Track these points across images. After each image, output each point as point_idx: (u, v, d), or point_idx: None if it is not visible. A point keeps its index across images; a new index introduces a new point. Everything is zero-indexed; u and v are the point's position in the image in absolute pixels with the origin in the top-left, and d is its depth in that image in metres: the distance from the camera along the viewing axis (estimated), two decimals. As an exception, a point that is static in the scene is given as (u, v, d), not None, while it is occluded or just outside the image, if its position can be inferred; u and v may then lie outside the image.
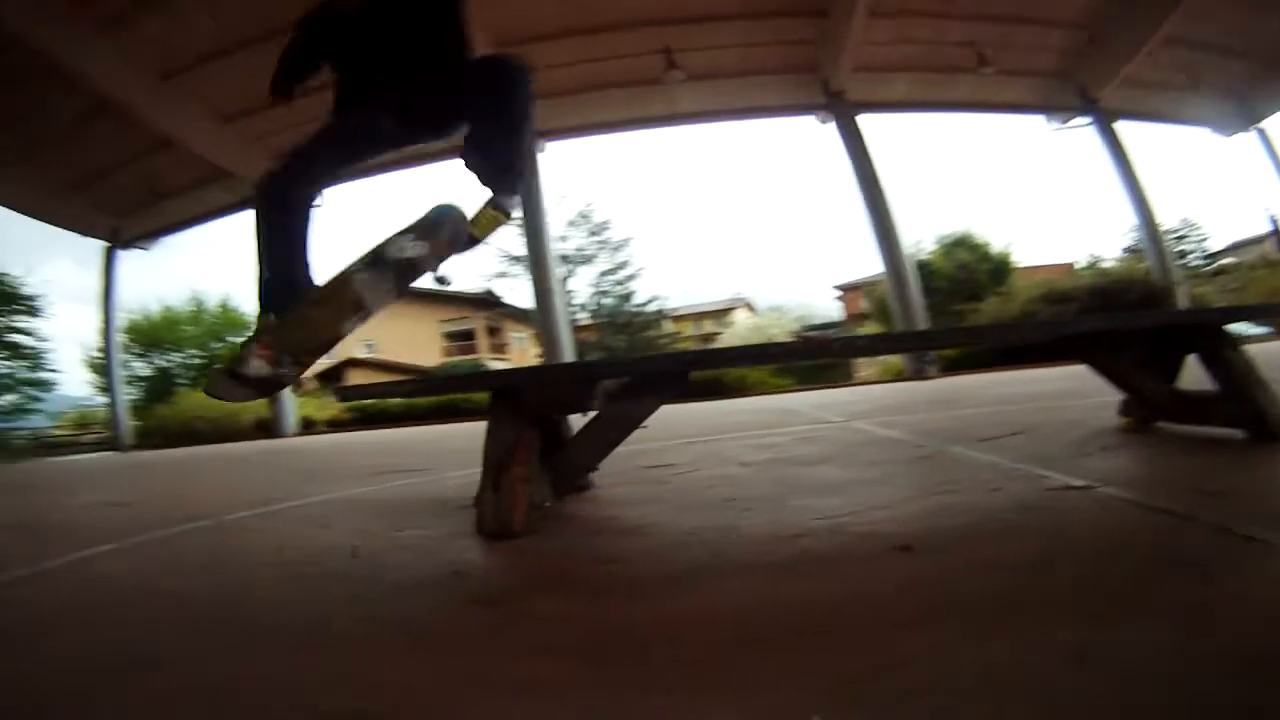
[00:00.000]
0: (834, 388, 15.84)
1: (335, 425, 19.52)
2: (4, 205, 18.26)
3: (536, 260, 16.74)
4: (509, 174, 2.82)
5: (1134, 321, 2.65)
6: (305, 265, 2.75)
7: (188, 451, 14.02)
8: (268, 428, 18.43)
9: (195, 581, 2.09)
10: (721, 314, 49.07)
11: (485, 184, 2.82)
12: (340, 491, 3.85)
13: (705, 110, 16.91)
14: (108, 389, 20.83)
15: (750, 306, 50.36)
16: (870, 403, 7.25)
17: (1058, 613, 1.18)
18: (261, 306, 2.72)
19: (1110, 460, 2.46)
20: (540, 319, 16.77)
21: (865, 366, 21.42)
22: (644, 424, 2.60)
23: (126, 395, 22.15)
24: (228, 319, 33.65)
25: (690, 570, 1.70)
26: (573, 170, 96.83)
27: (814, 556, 1.70)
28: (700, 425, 6.22)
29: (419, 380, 3.05)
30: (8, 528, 3.78)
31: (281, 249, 2.72)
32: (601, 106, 16.43)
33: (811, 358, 2.56)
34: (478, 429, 2.61)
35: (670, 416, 8.39)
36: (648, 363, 1.92)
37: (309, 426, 19.37)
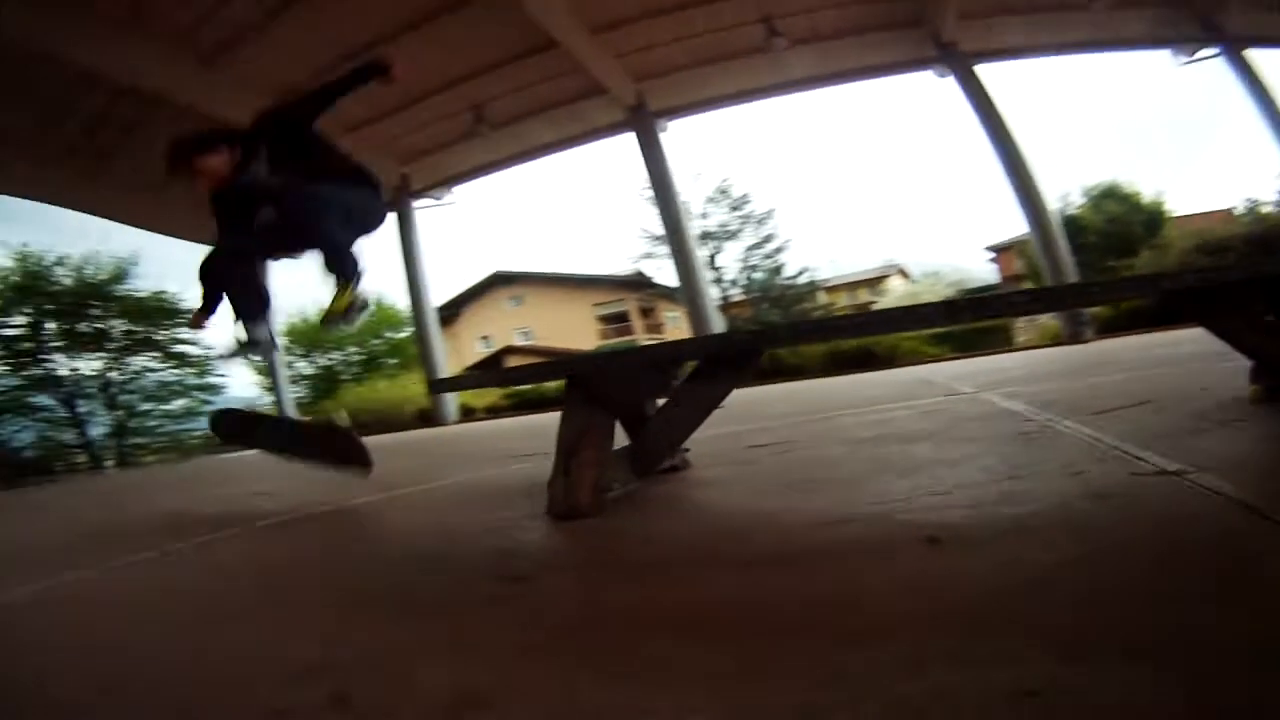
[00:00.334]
0: (989, 354, 15.07)
1: (493, 412, 20.22)
2: (159, 233, 20.69)
3: (675, 239, 16.77)
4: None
5: (1247, 271, 2.23)
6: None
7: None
8: (428, 417, 19.26)
9: (282, 556, 2.56)
10: (875, 282, 47.49)
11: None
12: (463, 476, 4.14)
13: (818, 75, 16.29)
14: (273, 388, 22.43)
15: (904, 273, 48.50)
16: (1013, 371, 6.85)
17: (1032, 643, 0.98)
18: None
19: (1221, 439, 2.16)
20: (685, 297, 16.87)
21: (1023, 331, 20.33)
22: (722, 404, 2.61)
23: (292, 393, 23.79)
24: (383, 316, 35.54)
25: (714, 557, 1.73)
26: (702, 146, 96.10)
27: (835, 548, 1.66)
28: (830, 401, 6.14)
29: (502, 372, 3.22)
30: (171, 514, 4.43)
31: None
32: (713, 81, 16.19)
33: (881, 330, 2.43)
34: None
35: (805, 392, 8.32)
36: (715, 341, 1.88)
37: (469, 414, 20.11)
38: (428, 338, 19.33)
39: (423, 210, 19.69)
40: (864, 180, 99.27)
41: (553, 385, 16.29)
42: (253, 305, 4.14)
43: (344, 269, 3.88)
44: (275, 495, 4.42)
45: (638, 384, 2.72)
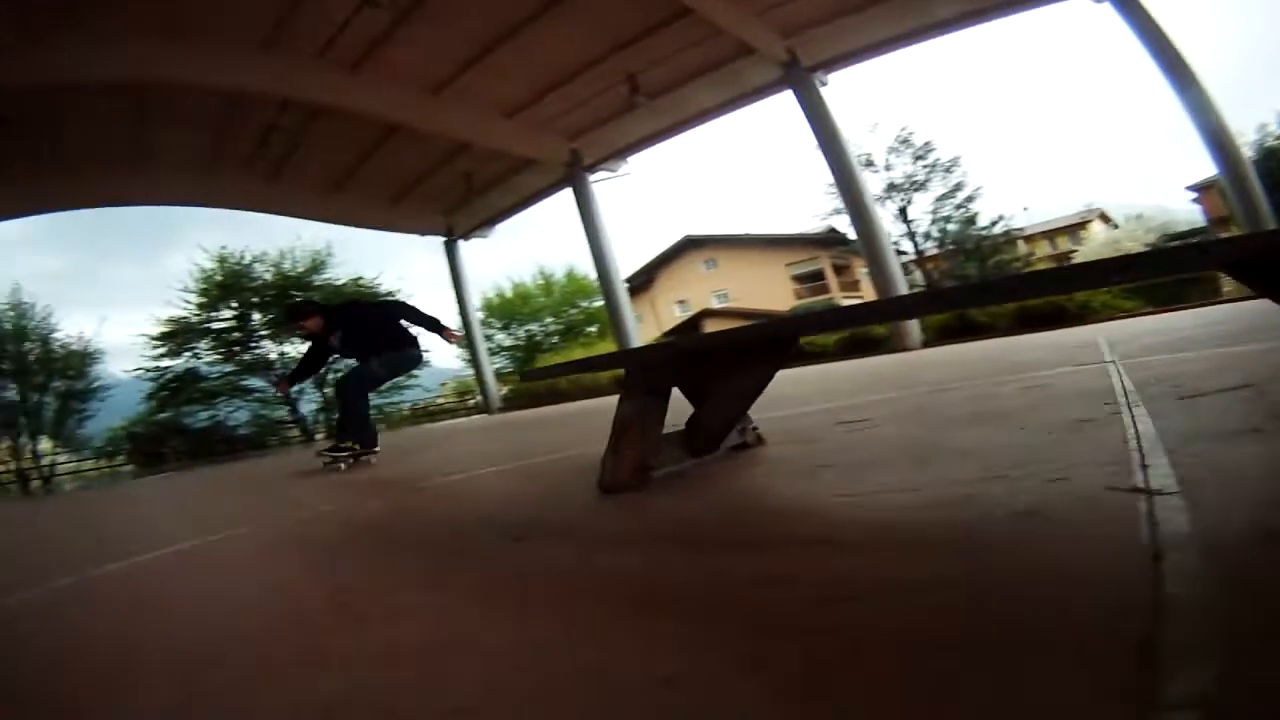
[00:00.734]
0: (1188, 308, 13.60)
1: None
2: (344, 224, 22.89)
3: (849, 196, 16.31)
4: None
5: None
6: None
7: (539, 411, 16.58)
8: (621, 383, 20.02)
9: (377, 510, 3.29)
10: (1075, 229, 43.84)
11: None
12: (589, 449, 4.35)
13: (969, 11, 15.11)
14: (473, 360, 24.16)
15: (1105, 217, 44.39)
16: (1178, 333, 6.24)
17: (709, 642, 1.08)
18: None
19: (1245, 451, 1.92)
20: (866, 255, 16.47)
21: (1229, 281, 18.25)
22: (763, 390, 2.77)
23: (492, 364, 25.54)
24: (577, 285, 37.03)
25: (695, 537, 1.90)
26: (875, 96, 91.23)
27: (765, 538, 1.78)
28: (973, 369, 5.95)
29: (577, 362, 3.48)
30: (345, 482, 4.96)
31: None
32: (864, 29, 15.50)
33: (880, 319, 2.40)
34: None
35: (963, 356, 8.05)
36: (747, 332, 1.98)
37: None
38: (616, 305, 20.30)
39: (599, 183, 20.44)
40: (1052, 120, 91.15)
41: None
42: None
43: (345, 431, 6.81)
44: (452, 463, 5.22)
45: (682, 374, 2.89)
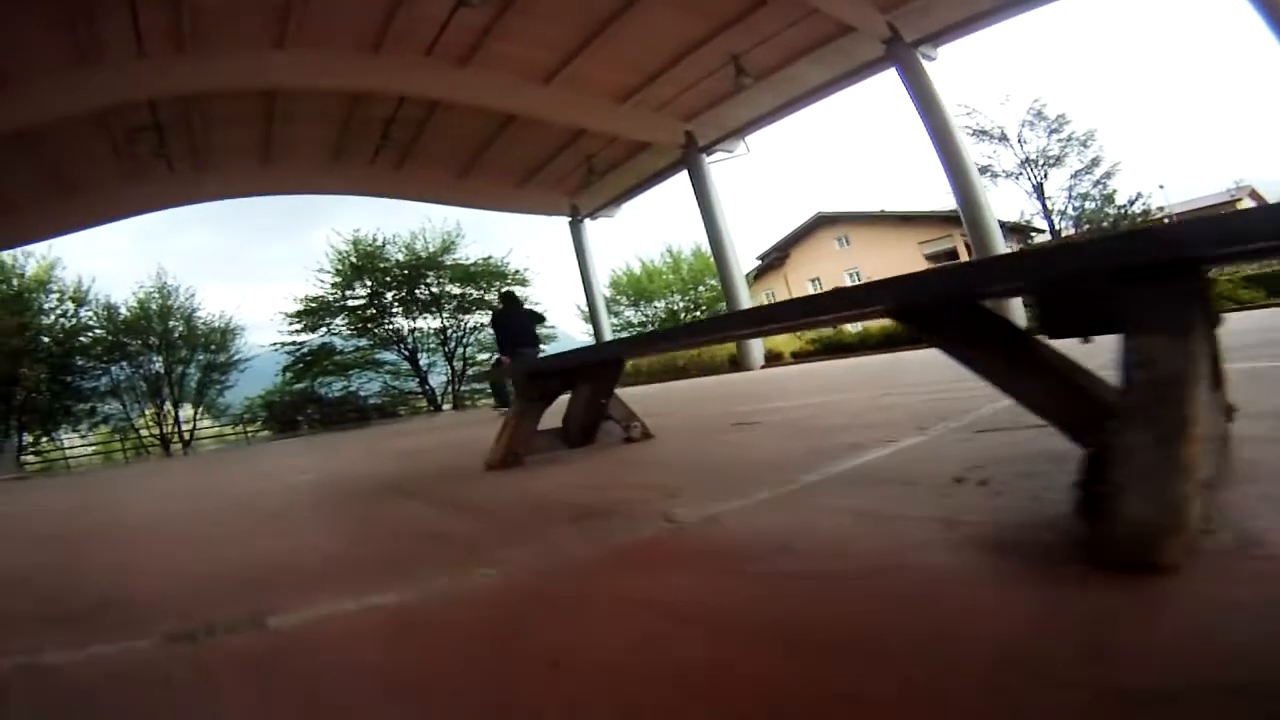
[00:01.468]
0: None
1: (799, 356, 21.20)
2: (471, 207, 24.85)
3: (958, 181, 16.04)
4: None
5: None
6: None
7: (659, 386, 18.00)
8: (737, 363, 20.62)
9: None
10: (1224, 207, 40.14)
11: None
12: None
13: None
14: (596, 335, 25.48)
15: (1256, 194, 40.47)
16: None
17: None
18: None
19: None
20: (971, 237, 16.32)
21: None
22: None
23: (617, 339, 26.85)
24: (704, 264, 37.66)
25: (507, 507, 3.02)
26: (997, 69, 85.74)
27: (527, 514, 2.58)
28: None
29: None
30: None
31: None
32: None
33: (701, 342, 2.92)
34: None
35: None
36: (576, 356, 2.65)
37: (775, 359, 21.12)
38: (731, 287, 20.66)
39: (717, 164, 21.05)
40: (1197, 88, 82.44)
41: (851, 330, 17.18)
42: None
43: (501, 399, 12.74)
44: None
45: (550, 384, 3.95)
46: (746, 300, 20.84)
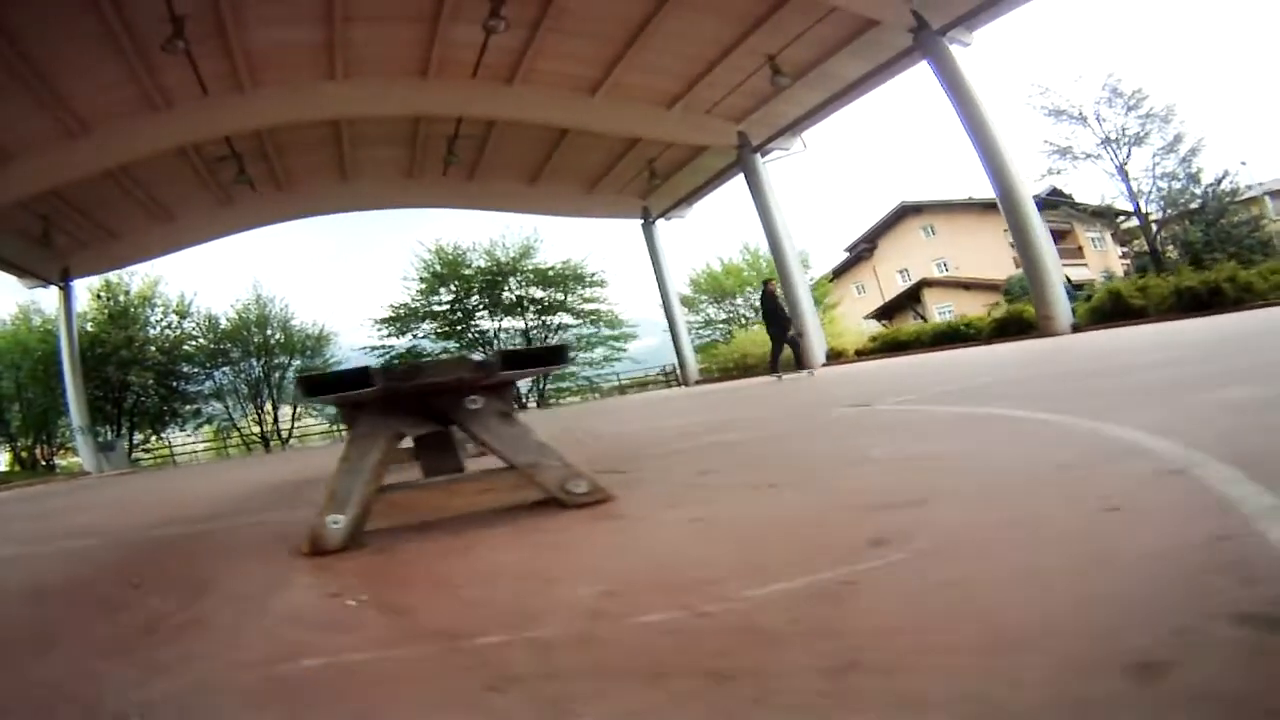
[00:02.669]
0: None
1: (861, 354, 21.56)
2: (549, 213, 26.95)
3: (992, 163, 15.61)
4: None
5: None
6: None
7: (724, 384, 19.53)
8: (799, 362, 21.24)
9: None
10: None
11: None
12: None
13: None
14: (672, 333, 26.35)
15: None
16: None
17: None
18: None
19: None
20: (1010, 225, 15.92)
21: None
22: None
23: (690, 338, 28.57)
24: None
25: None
26: (1066, 45, 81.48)
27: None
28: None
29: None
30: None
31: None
32: None
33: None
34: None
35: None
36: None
37: (836, 357, 21.49)
38: (790, 286, 20.92)
39: (775, 161, 21.48)
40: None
41: (909, 328, 17.74)
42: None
43: (773, 363, 15.25)
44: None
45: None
46: (806, 296, 21.32)
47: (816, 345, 20.77)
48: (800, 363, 15.93)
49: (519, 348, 1.64)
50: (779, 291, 16.72)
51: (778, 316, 15.18)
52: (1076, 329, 14.76)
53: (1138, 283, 16.99)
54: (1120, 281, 20.63)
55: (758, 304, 38.41)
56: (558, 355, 2.24)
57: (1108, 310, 15.34)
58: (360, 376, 1.95)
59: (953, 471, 2.04)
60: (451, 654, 1.11)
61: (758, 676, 0.87)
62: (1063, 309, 15.21)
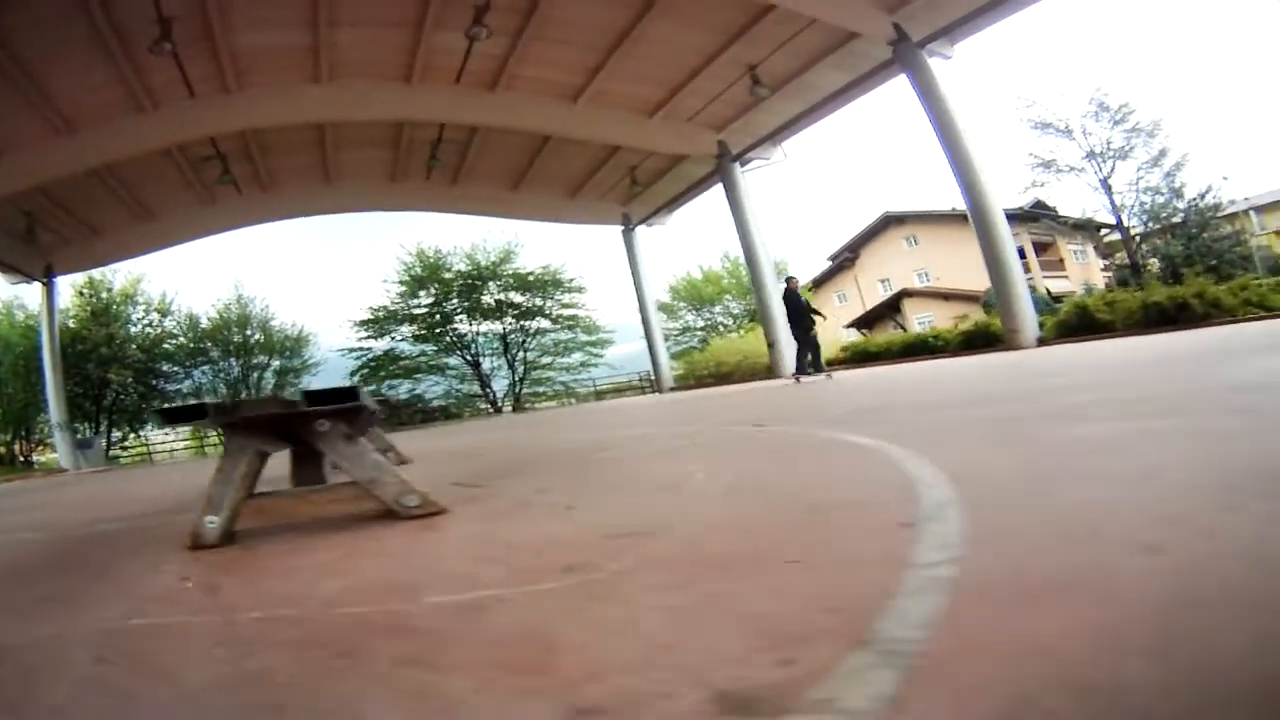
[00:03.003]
0: None
1: (831, 365, 21.93)
2: (531, 219, 27.35)
3: (964, 176, 15.96)
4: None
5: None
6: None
7: (703, 391, 19.64)
8: (771, 370, 21.74)
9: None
10: None
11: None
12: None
13: None
14: (648, 339, 27.00)
15: None
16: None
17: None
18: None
19: None
20: (980, 238, 16.26)
21: None
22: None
23: (667, 346, 29.21)
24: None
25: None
26: (1052, 58, 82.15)
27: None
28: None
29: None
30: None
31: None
32: None
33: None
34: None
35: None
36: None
37: (804, 366, 21.98)
38: (764, 297, 21.43)
39: (755, 171, 21.92)
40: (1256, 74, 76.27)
41: (879, 340, 18.30)
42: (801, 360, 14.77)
43: (799, 366, 14.82)
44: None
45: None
46: (780, 306, 21.64)
47: (788, 354, 21.08)
48: (816, 366, 14.83)
49: (321, 388, 2.02)
50: (801, 289, 16.00)
51: (800, 316, 14.57)
52: (1043, 342, 15.07)
53: (1106, 297, 17.40)
54: (1089, 296, 21.09)
55: (736, 312, 39.50)
56: (350, 394, 2.65)
57: (1074, 324, 15.68)
58: (198, 411, 2.63)
59: (723, 503, 2.36)
60: (224, 623, 1.60)
61: (365, 656, 1.26)
62: (1029, 323, 15.51)
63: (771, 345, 21.17)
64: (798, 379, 14.59)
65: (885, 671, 0.92)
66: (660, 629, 1.22)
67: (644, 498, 2.73)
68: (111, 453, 27.35)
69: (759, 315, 22.93)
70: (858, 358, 22.24)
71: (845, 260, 46.72)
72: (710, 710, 0.89)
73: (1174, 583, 1.08)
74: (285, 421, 2.73)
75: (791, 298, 14.99)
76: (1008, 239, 16.08)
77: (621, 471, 3.79)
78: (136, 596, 1.96)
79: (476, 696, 1.03)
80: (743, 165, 21.41)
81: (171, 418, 3.04)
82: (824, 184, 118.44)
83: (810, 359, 14.66)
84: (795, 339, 14.96)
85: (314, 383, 33.39)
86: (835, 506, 2.04)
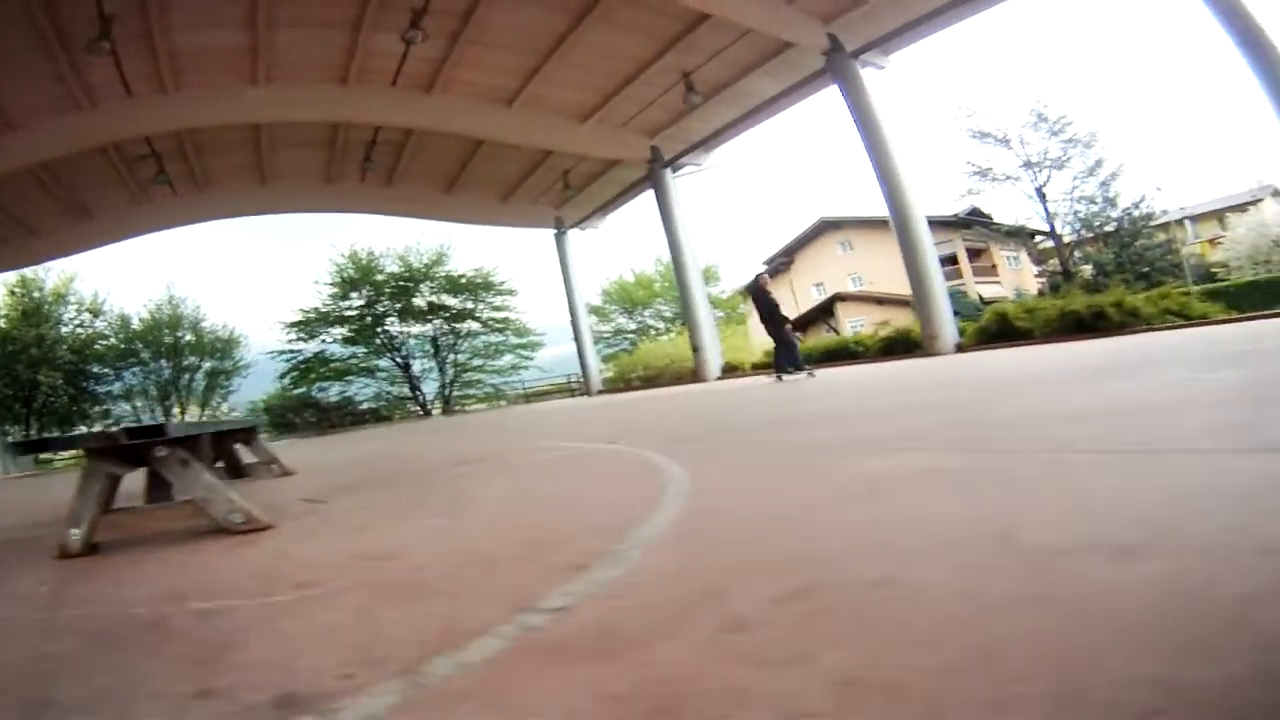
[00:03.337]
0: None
1: (757, 368, 22.57)
2: (465, 222, 27.52)
3: (888, 183, 16.70)
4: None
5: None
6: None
7: (626, 395, 20.18)
8: (696, 374, 22.50)
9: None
10: (1240, 209, 38.55)
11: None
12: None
13: None
14: (577, 342, 27.66)
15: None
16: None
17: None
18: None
19: None
20: (901, 244, 16.98)
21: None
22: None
23: (594, 349, 29.55)
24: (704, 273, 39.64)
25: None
26: (995, 69, 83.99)
27: None
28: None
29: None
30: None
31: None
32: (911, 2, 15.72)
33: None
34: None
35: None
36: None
37: (731, 370, 22.49)
38: (689, 300, 22.19)
39: (686, 176, 22.54)
40: (1217, 86, 79.24)
41: (804, 346, 18.98)
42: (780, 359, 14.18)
43: (778, 364, 14.17)
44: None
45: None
46: (705, 310, 22.45)
47: (712, 359, 21.97)
48: (794, 363, 13.74)
49: (145, 424, 2.52)
50: (769, 286, 14.65)
51: (772, 313, 13.60)
52: (961, 349, 15.50)
53: (1026, 305, 17.92)
54: (1011, 303, 21.83)
55: (668, 315, 40.12)
56: (158, 431, 3.04)
57: (994, 331, 15.86)
58: (40, 444, 3.30)
59: (477, 530, 2.60)
60: (48, 618, 1.97)
61: (122, 645, 1.65)
62: (948, 329, 16.02)
63: (696, 350, 21.85)
64: (779, 378, 13.71)
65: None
66: (317, 636, 1.54)
67: (430, 520, 2.98)
68: (43, 456, 27.06)
69: (685, 319, 23.49)
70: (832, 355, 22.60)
71: (781, 265, 47.52)
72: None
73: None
74: (131, 448, 3.06)
75: (761, 295, 14.08)
76: (929, 248, 16.75)
77: (447, 490, 4.06)
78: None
79: (157, 679, 1.38)
80: (675, 171, 21.86)
81: (26, 449, 3.55)
82: (762, 189, 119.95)
83: (789, 357, 13.90)
84: (771, 337, 14.33)
85: (244, 385, 33.71)
86: (550, 541, 2.16)
